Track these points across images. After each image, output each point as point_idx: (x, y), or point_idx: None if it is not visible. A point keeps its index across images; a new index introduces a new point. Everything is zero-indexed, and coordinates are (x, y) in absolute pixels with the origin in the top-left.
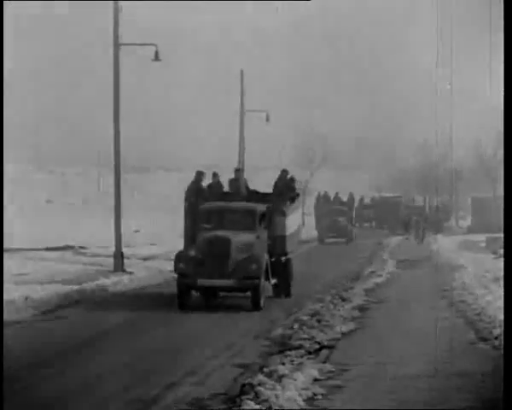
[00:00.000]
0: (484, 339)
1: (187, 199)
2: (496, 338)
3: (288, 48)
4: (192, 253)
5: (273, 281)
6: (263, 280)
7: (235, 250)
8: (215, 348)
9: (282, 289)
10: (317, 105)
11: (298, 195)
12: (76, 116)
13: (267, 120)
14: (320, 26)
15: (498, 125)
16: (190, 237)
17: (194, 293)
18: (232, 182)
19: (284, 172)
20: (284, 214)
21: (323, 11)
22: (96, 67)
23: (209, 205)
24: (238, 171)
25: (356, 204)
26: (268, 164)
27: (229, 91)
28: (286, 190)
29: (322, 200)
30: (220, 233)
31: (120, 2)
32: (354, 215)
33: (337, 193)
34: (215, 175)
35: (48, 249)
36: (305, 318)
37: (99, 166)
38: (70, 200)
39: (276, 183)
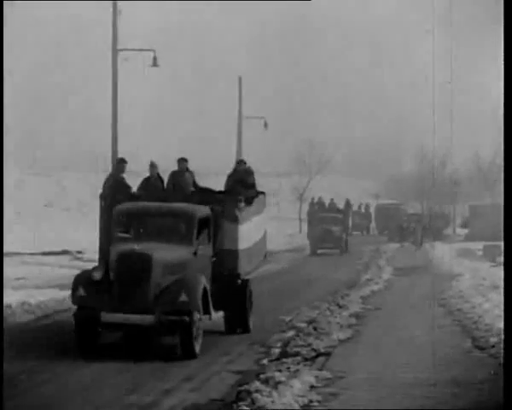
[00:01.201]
0: (481, 348)
1: (103, 197)
2: (493, 347)
3: (286, 53)
4: (97, 274)
5: (218, 314)
6: (198, 315)
7: (158, 272)
8: None
9: (237, 323)
10: (315, 111)
11: (257, 193)
12: (75, 120)
13: (265, 126)
14: (320, 30)
15: (496, 133)
16: (104, 250)
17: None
18: (173, 176)
19: (240, 162)
20: (236, 220)
21: (324, 15)
22: (95, 73)
23: (127, 206)
24: (182, 161)
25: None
26: (266, 170)
27: (228, 97)
28: (240, 186)
29: (317, 206)
30: (138, 247)
31: (119, 3)
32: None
33: (332, 199)
34: (153, 166)
35: (45, 254)
36: (302, 325)
37: (98, 172)
38: (68, 204)
39: (228, 177)
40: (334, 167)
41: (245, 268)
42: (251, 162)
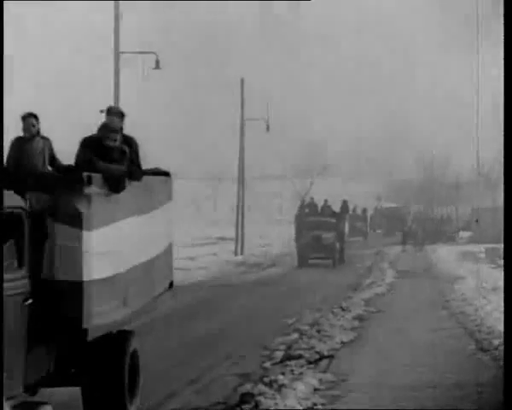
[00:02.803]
0: (484, 350)
1: None
2: (496, 349)
3: (287, 55)
4: None
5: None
6: None
7: None
8: None
9: (105, 404)
10: (317, 113)
11: (136, 171)
12: (75, 122)
13: (267, 129)
14: (320, 30)
15: (497, 137)
16: None
17: None
18: (16, 145)
19: (109, 112)
20: (79, 221)
21: (324, 16)
22: (98, 75)
23: None
24: (30, 119)
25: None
26: (268, 173)
27: (230, 100)
28: (91, 154)
29: (307, 209)
30: None
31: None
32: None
33: (326, 201)
34: None
35: None
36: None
37: None
38: None
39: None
40: (337, 171)
41: (106, 316)
42: (253, 165)
